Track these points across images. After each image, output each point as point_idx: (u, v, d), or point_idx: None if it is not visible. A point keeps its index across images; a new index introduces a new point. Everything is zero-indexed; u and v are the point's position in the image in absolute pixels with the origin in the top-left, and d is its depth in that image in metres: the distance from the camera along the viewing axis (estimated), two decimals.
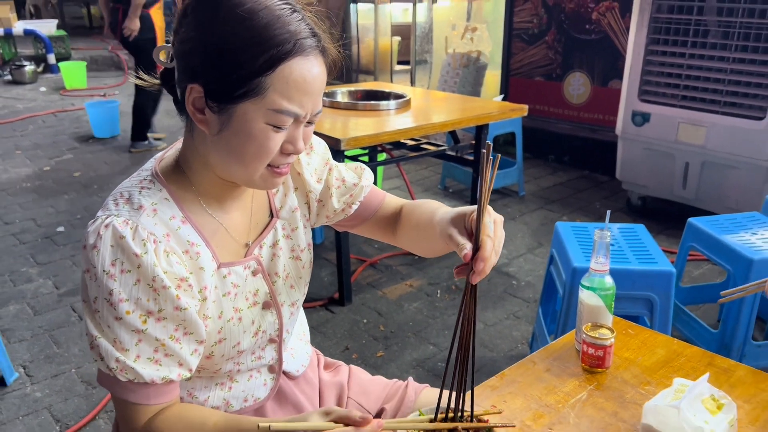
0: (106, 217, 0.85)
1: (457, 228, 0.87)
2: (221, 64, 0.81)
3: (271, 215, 1.02)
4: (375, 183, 1.20)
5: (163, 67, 0.92)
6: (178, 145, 0.96)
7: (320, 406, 1.16)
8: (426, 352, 2.42)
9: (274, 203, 1.03)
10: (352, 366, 1.27)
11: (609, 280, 1.17)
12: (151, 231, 0.85)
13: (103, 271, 0.83)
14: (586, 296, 1.17)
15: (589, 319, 1.17)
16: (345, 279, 2.75)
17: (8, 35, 7.49)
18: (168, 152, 0.96)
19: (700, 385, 0.99)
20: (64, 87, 6.85)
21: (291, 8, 0.84)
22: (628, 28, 3.53)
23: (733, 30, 3.12)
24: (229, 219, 0.96)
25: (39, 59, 7.56)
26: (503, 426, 0.94)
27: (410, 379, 1.25)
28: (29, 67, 7.11)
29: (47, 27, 7.68)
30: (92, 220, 0.86)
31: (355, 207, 1.09)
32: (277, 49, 0.81)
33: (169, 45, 0.88)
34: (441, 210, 0.94)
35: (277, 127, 0.84)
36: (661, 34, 3.38)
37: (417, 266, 3.14)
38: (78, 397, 2.19)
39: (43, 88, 6.92)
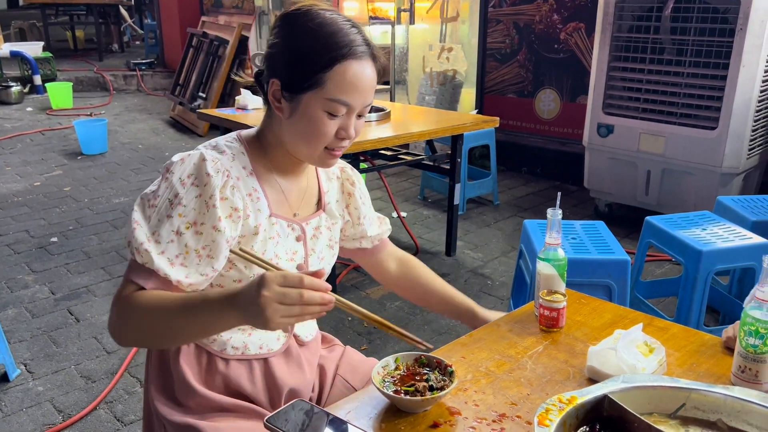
0: (196, 150, 1.09)
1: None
2: (294, 63, 1.06)
3: (318, 206, 1.25)
4: None
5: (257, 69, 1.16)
6: (258, 125, 1.19)
7: (316, 373, 1.32)
8: (407, 346, 2.58)
9: (322, 187, 1.26)
10: (347, 347, 1.43)
11: (561, 253, 1.35)
12: (228, 168, 1.08)
13: (179, 178, 1.05)
14: (542, 266, 1.35)
15: (545, 287, 1.35)
16: (331, 280, 2.92)
17: None
18: (249, 129, 1.20)
19: (634, 332, 1.17)
20: (50, 107, 6.96)
21: (351, 24, 1.10)
22: (593, 47, 3.79)
23: (686, 47, 3.39)
24: (287, 186, 1.18)
25: (25, 80, 7.64)
26: (421, 343, 1.18)
27: None
28: (15, 88, 7.19)
29: (33, 49, 7.79)
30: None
31: (365, 244, 1.38)
32: (336, 52, 1.05)
33: (263, 52, 1.13)
34: (456, 297, 1.40)
35: (332, 115, 1.07)
36: (621, 51, 3.64)
37: None
38: (78, 391, 2.32)
39: (29, 108, 7.03)
